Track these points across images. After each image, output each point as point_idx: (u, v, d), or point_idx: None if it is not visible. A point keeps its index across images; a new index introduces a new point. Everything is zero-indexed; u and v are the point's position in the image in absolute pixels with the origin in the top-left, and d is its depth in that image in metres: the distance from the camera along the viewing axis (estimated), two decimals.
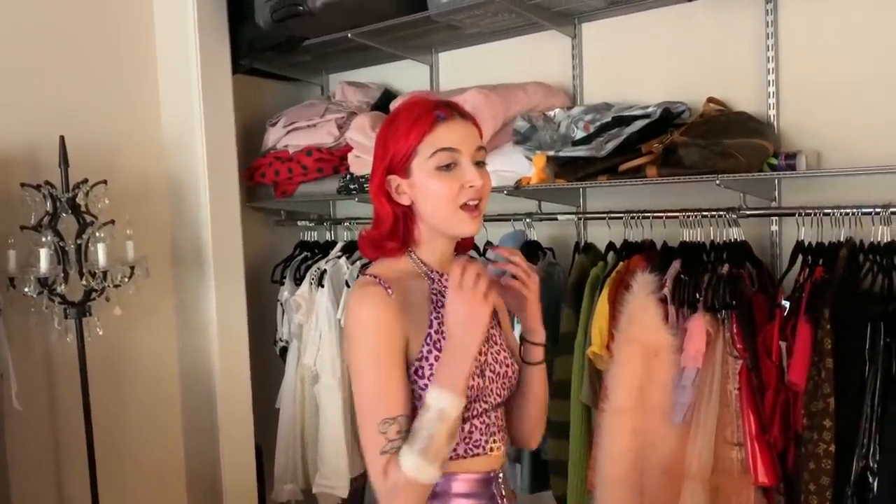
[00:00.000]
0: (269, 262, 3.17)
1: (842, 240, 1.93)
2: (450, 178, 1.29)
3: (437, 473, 1.22)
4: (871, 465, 1.75)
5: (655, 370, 1.99)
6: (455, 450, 1.30)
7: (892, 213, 1.84)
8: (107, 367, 2.62)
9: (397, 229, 1.35)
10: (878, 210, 1.87)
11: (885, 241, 1.86)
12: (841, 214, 1.92)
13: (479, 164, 1.34)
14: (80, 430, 2.45)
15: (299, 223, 3.19)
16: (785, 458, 1.92)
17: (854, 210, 1.90)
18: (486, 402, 1.33)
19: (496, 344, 1.39)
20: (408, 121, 1.32)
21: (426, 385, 1.27)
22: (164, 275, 2.82)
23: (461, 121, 1.34)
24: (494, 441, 1.36)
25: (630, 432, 1.99)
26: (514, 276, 1.38)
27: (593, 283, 2.17)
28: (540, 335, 1.42)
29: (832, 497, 1.79)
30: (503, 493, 1.37)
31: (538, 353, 1.43)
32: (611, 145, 2.14)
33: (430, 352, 1.30)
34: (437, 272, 1.38)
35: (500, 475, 1.38)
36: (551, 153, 2.25)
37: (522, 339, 1.45)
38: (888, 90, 2.03)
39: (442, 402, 1.22)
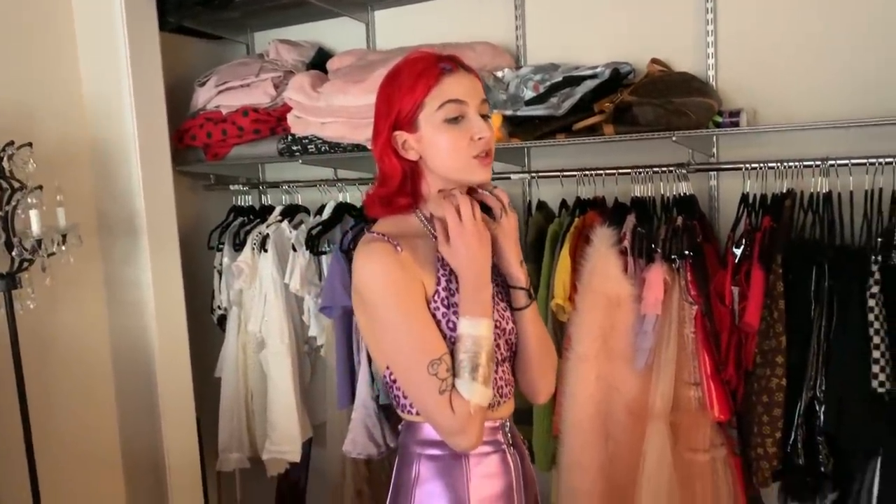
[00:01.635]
0: (198, 229, 3.06)
1: (784, 191, 2.08)
2: (459, 131, 1.31)
3: (490, 392, 1.28)
4: (819, 395, 1.93)
5: (617, 319, 2.09)
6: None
7: (831, 165, 2.01)
8: (34, 341, 2.46)
9: (406, 185, 1.36)
10: (817, 163, 2.03)
11: (824, 191, 2.03)
12: (784, 167, 2.07)
13: (484, 117, 1.35)
14: (11, 406, 2.30)
15: (231, 188, 3.09)
16: (736, 395, 2.08)
17: (796, 163, 2.06)
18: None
19: (500, 302, 1.41)
20: (412, 75, 1.31)
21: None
22: (89, 244, 2.65)
23: (465, 73, 1.34)
24: (501, 394, 1.40)
25: (595, 378, 2.10)
26: (488, 211, 1.40)
27: (553, 238, 2.25)
28: (522, 280, 1.42)
29: (783, 426, 1.96)
30: (510, 440, 1.42)
31: (521, 298, 1.42)
32: (567, 104, 2.21)
33: (437, 309, 1.32)
34: None
35: (507, 424, 1.43)
36: (508, 112, 2.29)
37: (509, 287, 1.45)
38: (819, 50, 2.20)
39: (475, 330, 1.27)
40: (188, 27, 3.03)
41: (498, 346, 1.37)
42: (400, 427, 1.43)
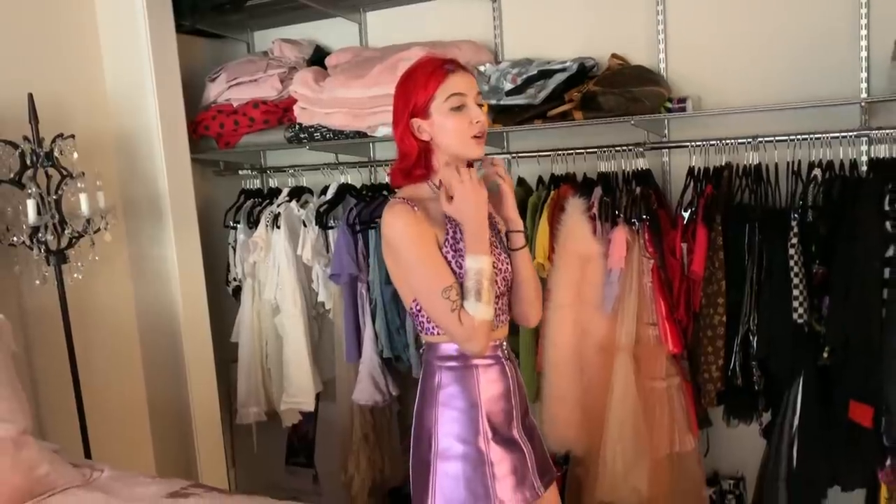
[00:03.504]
0: (210, 210, 3.38)
1: (723, 164, 2.52)
2: (461, 116, 1.69)
3: (492, 310, 1.66)
4: (752, 328, 2.37)
5: (588, 273, 2.51)
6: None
7: (759, 142, 2.44)
8: (75, 310, 2.77)
9: (420, 160, 1.75)
10: (748, 140, 2.46)
11: (755, 164, 2.46)
12: (722, 144, 2.50)
13: (479, 106, 1.74)
14: (58, 368, 2.63)
15: (240, 172, 3.43)
16: (687, 333, 2.51)
17: (731, 140, 2.49)
18: None
19: (497, 249, 1.80)
20: (424, 75, 1.71)
21: None
22: (117, 225, 2.98)
23: (464, 72, 1.74)
24: (499, 320, 1.78)
25: (570, 323, 2.51)
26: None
27: (533, 208, 2.65)
28: (519, 223, 1.80)
29: (724, 355, 2.40)
30: (506, 355, 1.83)
31: (520, 239, 1.80)
32: (543, 94, 2.60)
33: (447, 253, 1.71)
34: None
35: (504, 343, 1.83)
36: (492, 102, 2.67)
37: (506, 233, 1.84)
38: (754, 44, 2.62)
39: (477, 263, 1.65)
40: (193, 27, 3.33)
41: (496, 281, 1.74)
42: (421, 350, 1.83)
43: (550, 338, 2.53)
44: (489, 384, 1.74)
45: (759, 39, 2.62)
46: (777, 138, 2.44)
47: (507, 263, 1.80)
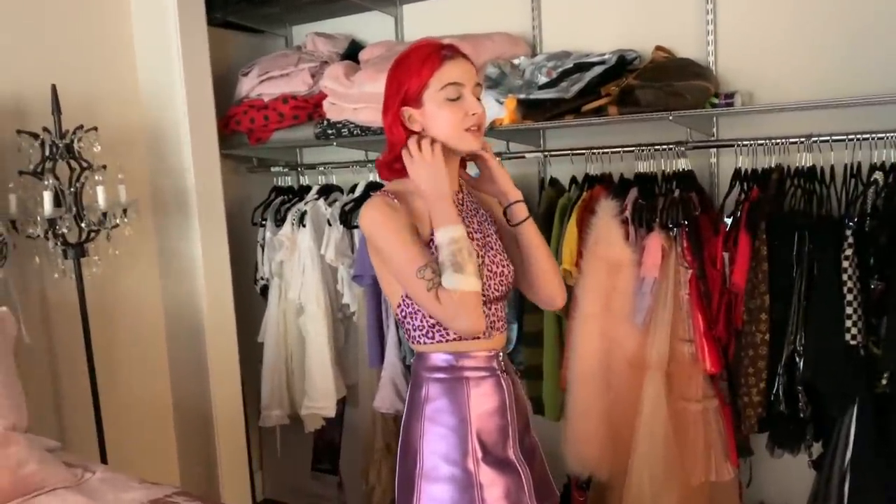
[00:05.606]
0: (242, 207, 3.34)
1: (773, 166, 2.28)
2: (456, 108, 1.55)
3: (475, 280, 1.50)
4: (798, 348, 2.13)
5: (619, 281, 2.32)
6: (460, 336, 1.57)
7: (814, 141, 2.20)
8: (97, 305, 2.75)
9: None
10: (802, 140, 2.22)
11: (808, 165, 2.22)
12: (772, 144, 2.27)
13: (477, 97, 1.59)
14: (79, 363, 2.60)
15: (272, 169, 3.36)
16: (727, 351, 2.28)
17: (783, 140, 2.25)
18: (484, 296, 1.58)
19: (492, 249, 1.65)
20: (419, 59, 1.56)
21: None
22: (145, 220, 2.95)
23: (462, 59, 1.59)
24: (494, 328, 1.63)
25: (598, 335, 2.32)
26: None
27: (562, 210, 2.47)
28: (515, 193, 1.65)
29: (767, 377, 2.17)
30: (503, 366, 1.66)
31: (521, 210, 1.65)
32: (576, 88, 2.42)
33: (433, 250, 1.54)
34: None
35: (501, 354, 1.67)
36: (521, 96, 2.51)
37: (505, 209, 1.68)
38: (809, 38, 2.38)
39: (447, 234, 1.50)
40: (232, 22, 3.30)
41: (489, 286, 1.59)
42: (412, 359, 1.68)
43: (576, 349, 2.35)
44: (481, 398, 1.59)
45: (816, 30, 2.37)
46: (834, 138, 2.19)
47: (505, 265, 1.65)
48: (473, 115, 1.55)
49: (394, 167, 1.62)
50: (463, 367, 1.59)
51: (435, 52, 1.55)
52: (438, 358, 1.59)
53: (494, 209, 1.74)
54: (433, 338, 1.59)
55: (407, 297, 1.59)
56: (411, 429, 1.60)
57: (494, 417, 1.59)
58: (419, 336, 1.60)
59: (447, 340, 1.58)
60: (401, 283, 1.57)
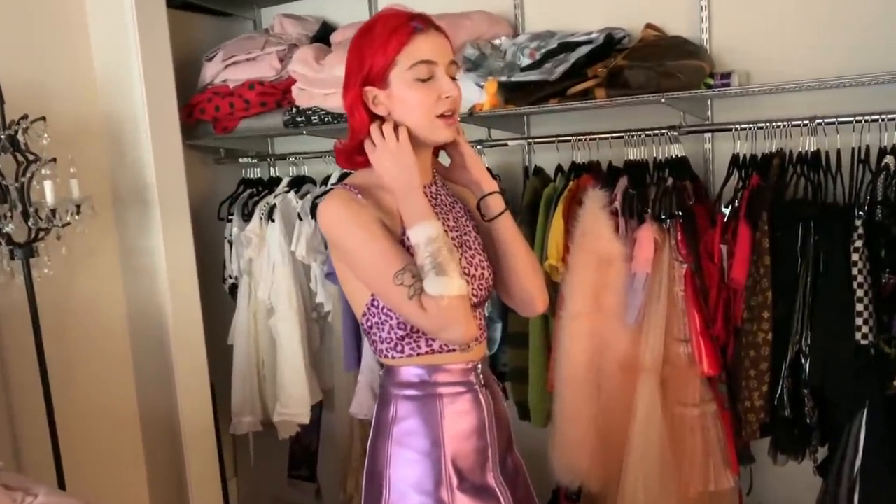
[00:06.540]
0: (210, 201, 3.15)
1: (773, 151, 2.11)
2: (427, 89, 1.36)
3: (461, 282, 1.32)
4: (804, 349, 1.97)
5: (608, 277, 2.15)
6: (432, 346, 1.40)
7: (818, 124, 2.03)
8: (53, 308, 2.56)
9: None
10: (805, 122, 2.05)
11: (812, 150, 2.05)
12: (773, 127, 2.10)
13: (452, 78, 1.39)
14: (31, 371, 2.41)
15: (241, 160, 3.17)
16: (726, 351, 2.12)
17: (784, 122, 2.08)
18: None
19: (470, 249, 1.47)
20: (385, 32, 1.35)
21: None
22: (105, 216, 2.75)
23: (436, 33, 1.38)
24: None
25: (587, 335, 2.16)
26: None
27: (547, 201, 2.30)
28: (491, 183, 1.47)
29: (769, 380, 2.00)
30: (482, 381, 1.48)
31: (497, 203, 1.46)
32: (560, 69, 2.24)
33: (409, 247, 1.37)
34: None
35: (479, 365, 1.49)
36: (503, 79, 2.33)
37: (478, 202, 1.49)
38: (809, 13, 2.21)
39: (423, 233, 1.32)
40: (196, 4, 3.10)
41: (468, 280, 1.40)
42: (380, 372, 1.50)
43: (564, 350, 2.18)
44: (456, 418, 1.41)
45: (819, 3, 2.20)
46: (840, 119, 2.02)
47: (485, 267, 1.47)
48: (447, 98, 1.36)
49: (354, 158, 1.43)
50: (436, 381, 1.42)
51: (403, 25, 1.34)
52: (409, 372, 1.41)
53: (471, 203, 1.55)
54: (402, 351, 1.41)
55: (373, 305, 1.41)
56: (377, 453, 1.43)
57: (472, 439, 1.42)
58: (386, 349, 1.42)
59: (418, 354, 1.41)
60: (375, 292, 1.39)
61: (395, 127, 1.36)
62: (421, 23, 1.36)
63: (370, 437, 1.47)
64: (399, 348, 1.41)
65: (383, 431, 1.42)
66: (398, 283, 1.30)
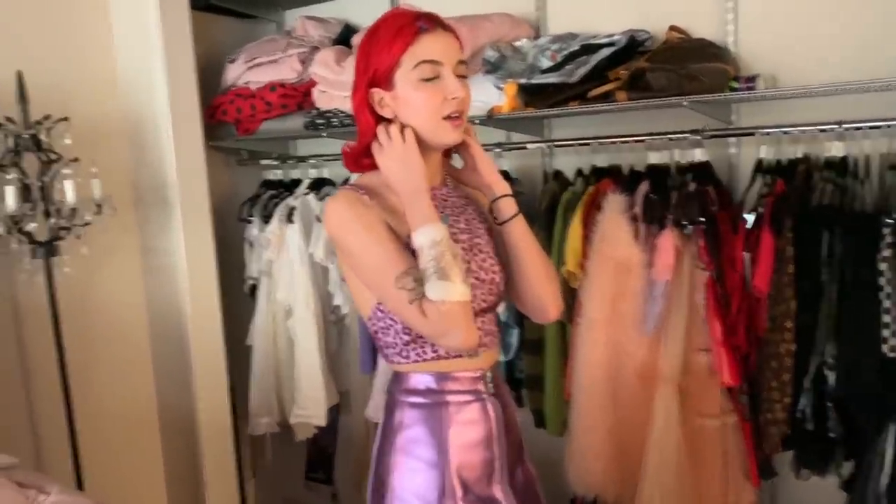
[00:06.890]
0: (232, 202, 3.16)
1: (799, 156, 2.05)
2: (433, 90, 1.33)
3: (463, 288, 1.29)
4: (828, 360, 1.91)
5: (627, 284, 2.10)
6: (438, 351, 1.37)
7: (846, 129, 1.97)
8: (73, 307, 2.58)
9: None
10: (832, 127, 1.99)
11: (839, 156, 1.99)
12: (799, 132, 2.04)
13: (461, 78, 1.36)
14: (51, 370, 2.44)
15: (262, 162, 3.18)
16: (748, 362, 2.06)
17: (810, 127, 2.02)
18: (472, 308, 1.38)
19: (481, 252, 1.43)
20: (390, 32, 1.33)
21: None
22: (126, 215, 2.78)
23: (443, 32, 1.35)
24: (480, 344, 1.40)
25: (604, 342, 2.11)
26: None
27: (566, 205, 2.26)
28: (503, 186, 1.44)
29: (792, 392, 1.95)
30: (491, 389, 1.44)
31: (509, 206, 1.43)
32: (581, 71, 2.21)
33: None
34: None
35: (488, 373, 1.45)
36: (523, 81, 2.30)
37: (490, 205, 1.46)
38: (837, 17, 2.15)
39: (427, 236, 1.29)
40: (220, 6, 3.11)
41: (475, 296, 1.37)
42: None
43: (581, 358, 2.14)
44: (463, 428, 1.38)
45: (847, 5, 2.14)
46: (869, 125, 1.95)
47: (496, 272, 1.43)
48: (453, 99, 1.34)
49: (362, 161, 1.41)
50: (444, 390, 1.39)
51: (408, 24, 1.32)
52: (416, 379, 1.39)
53: (485, 205, 1.52)
54: (408, 357, 1.39)
55: (379, 309, 1.38)
56: (382, 461, 1.40)
57: (478, 450, 1.39)
58: (393, 354, 1.40)
59: (425, 360, 1.38)
60: (377, 295, 1.37)
61: (402, 128, 1.34)
62: (427, 22, 1.33)
63: (376, 443, 1.45)
64: (405, 353, 1.38)
65: (388, 438, 1.40)
66: (399, 287, 1.28)
